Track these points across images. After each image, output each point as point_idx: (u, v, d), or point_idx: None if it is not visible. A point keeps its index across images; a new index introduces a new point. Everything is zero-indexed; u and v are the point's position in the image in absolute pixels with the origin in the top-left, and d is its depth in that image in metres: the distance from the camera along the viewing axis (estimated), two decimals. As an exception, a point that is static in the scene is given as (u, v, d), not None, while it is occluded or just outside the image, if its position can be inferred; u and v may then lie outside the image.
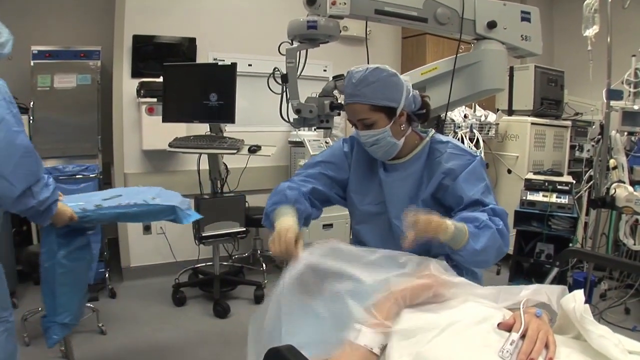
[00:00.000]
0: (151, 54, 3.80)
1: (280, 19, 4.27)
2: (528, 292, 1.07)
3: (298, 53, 2.02)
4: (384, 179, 1.59)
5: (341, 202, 1.72)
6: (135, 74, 3.79)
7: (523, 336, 0.91)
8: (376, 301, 1.03)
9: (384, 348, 0.97)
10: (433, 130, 1.62)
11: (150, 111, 3.69)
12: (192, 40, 3.98)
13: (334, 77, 2.10)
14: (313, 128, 4.48)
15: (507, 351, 0.87)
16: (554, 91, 4.26)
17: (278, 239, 1.27)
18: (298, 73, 2.04)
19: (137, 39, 3.76)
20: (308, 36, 1.99)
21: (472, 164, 1.48)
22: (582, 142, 4.37)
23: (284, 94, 2.09)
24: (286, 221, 1.35)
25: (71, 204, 1.91)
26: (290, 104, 2.06)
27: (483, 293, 1.10)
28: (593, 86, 3.56)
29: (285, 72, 2.03)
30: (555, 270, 1.61)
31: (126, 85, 3.78)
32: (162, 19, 3.89)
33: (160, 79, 3.57)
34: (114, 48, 3.77)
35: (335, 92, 2.11)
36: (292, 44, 2.05)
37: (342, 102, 2.02)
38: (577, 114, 4.54)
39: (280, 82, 2.06)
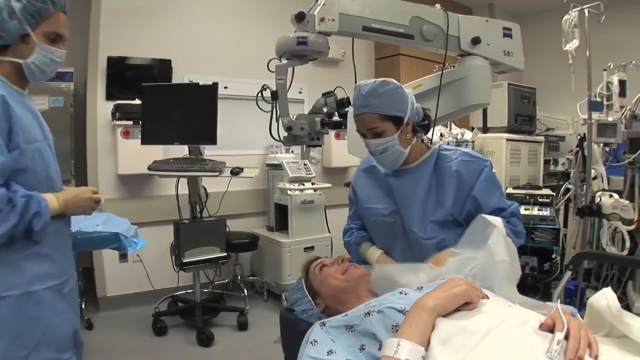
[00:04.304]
0: (126, 75, 3.72)
1: (258, 41, 4.34)
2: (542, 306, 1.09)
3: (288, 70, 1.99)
4: (394, 184, 1.69)
5: None
6: (109, 96, 3.70)
7: (566, 336, 0.91)
8: (410, 314, 0.99)
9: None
10: (440, 142, 1.70)
11: (126, 134, 3.58)
12: (168, 62, 3.93)
13: (323, 94, 2.08)
14: (291, 150, 4.46)
15: (555, 351, 0.88)
16: (527, 107, 4.36)
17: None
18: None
19: (111, 60, 3.68)
20: (297, 52, 1.96)
21: (485, 170, 1.58)
22: (555, 156, 4.48)
23: (274, 111, 2.05)
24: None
25: None
26: (280, 122, 2.02)
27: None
28: (564, 101, 3.65)
29: (274, 90, 1.99)
30: (568, 274, 1.62)
31: (100, 107, 3.68)
32: (137, 40, 3.84)
33: (136, 101, 3.50)
34: (87, 70, 3.68)
35: (325, 109, 2.09)
36: (280, 60, 2.03)
37: (336, 119, 2.02)
38: (548, 129, 4.65)
39: (270, 100, 2.02)
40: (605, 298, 0.98)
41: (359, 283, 1.34)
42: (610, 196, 2.60)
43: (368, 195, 1.82)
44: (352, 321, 1.09)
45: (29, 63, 1.44)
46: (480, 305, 1.03)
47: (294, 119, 2.03)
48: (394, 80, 1.58)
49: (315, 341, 1.07)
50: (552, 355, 0.87)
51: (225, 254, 3.42)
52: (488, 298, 1.06)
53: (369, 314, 1.06)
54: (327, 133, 2.18)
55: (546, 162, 4.51)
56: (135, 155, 3.52)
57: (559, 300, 1.03)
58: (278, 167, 4.23)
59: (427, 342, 0.95)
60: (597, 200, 2.52)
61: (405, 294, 1.13)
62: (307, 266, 1.48)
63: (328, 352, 1.03)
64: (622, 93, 3.46)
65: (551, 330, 0.94)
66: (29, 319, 1.41)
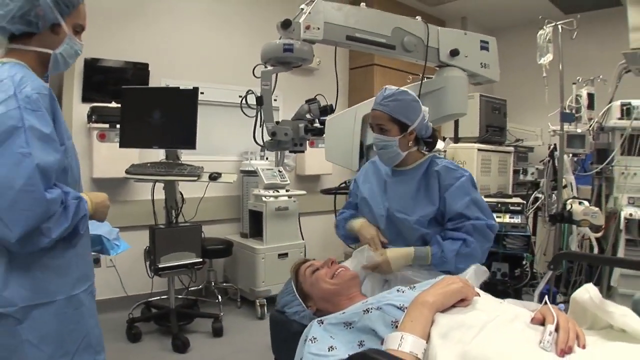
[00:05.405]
0: (103, 78, 3.68)
1: (235, 49, 4.34)
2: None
3: (274, 76, 2.02)
4: (389, 181, 1.90)
5: None
6: (85, 98, 3.64)
7: (556, 329, 0.98)
8: (411, 309, 1.03)
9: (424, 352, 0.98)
10: (434, 152, 1.94)
11: (102, 137, 3.53)
12: (145, 66, 3.90)
13: (307, 101, 2.12)
14: (265, 157, 4.47)
15: (548, 341, 0.95)
16: (498, 119, 4.49)
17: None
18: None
19: (88, 62, 3.63)
20: (283, 59, 1.99)
21: (462, 179, 1.73)
22: (524, 166, 4.62)
23: (258, 116, 2.07)
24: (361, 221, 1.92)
25: None
26: (265, 127, 2.04)
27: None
28: (533, 113, 3.75)
29: (259, 95, 2.01)
30: (549, 273, 1.71)
31: (76, 110, 3.62)
32: (114, 43, 3.80)
33: (113, 104, 3.46)
34: (63, 72, 3.61)
35: (308, 115, 2.12)
36: (265, 66, 2.05)
37: (317, 126, 2.07)
38: (518, 140, 4.81)
39: (255, 105, 2.04)
40: (587, 292, 1.06)
41: (349, 285, 1.37)
42: (580, 203, 2.73)
43: (364, 184, 2.02)
44: (351, 318, 1.14)
45: (57, 54, 1.38)
46: (474, 303, 1.09)
47: (277, 125, 2.06)
48: (414, 94, 1.80)
49: (315, 338, 1.11)
50: (545, 346, 0.94)
51: (201, 260, 3.40)
52: (480, 296, 1.12)
53: (368, 311, 1.11)
54: (310, 139, 2.22)
55: (515, 172, 4.65)
56: (111, 158, 3.48)
57: (546, 297, 1.11)
58: (252, 173, 4.22)
59: (428, 336, 1.00)
60: (568, 207, 2.64)
61: (403, 292, 1.17)
62: (296, 268, 1.51)
63: (329, 349, 1.07)
64: (591, 106, 3.63)
65: (542, 323, 1.02)
66: (71, 324, 1.37)
